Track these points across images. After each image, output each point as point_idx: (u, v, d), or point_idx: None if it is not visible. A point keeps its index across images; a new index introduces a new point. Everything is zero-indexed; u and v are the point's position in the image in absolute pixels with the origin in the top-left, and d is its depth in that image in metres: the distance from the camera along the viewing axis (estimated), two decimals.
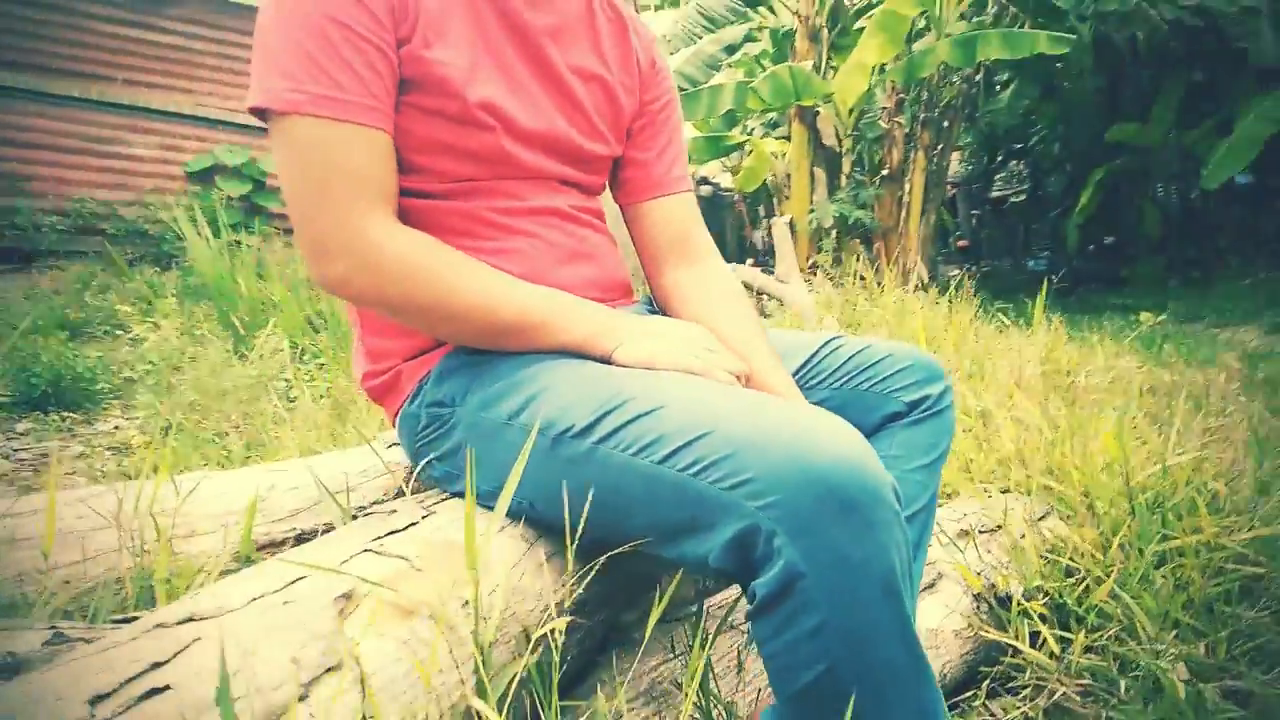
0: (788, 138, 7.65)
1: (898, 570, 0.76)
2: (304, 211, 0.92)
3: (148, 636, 0.64)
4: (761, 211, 13.28)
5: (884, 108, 7.39)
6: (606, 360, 0.98)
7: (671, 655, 1.08)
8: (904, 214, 7.18)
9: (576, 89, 1.10)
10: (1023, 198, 12.84)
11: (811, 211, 7.11)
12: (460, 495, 1.01)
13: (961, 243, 14.78)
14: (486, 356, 1.00)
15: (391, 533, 0.89)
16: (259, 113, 0.94)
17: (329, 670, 0.65)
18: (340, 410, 2.57)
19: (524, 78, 1.06)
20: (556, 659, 0.84)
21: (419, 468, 1.07)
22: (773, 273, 4.63)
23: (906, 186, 7.21)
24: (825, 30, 7.21)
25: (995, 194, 14.24)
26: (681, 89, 7.76)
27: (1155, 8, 7.35)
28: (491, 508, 0.96)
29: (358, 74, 0.92)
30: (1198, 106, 9.22)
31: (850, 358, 1.19)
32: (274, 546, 1.27)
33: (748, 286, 4.79)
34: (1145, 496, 1.51)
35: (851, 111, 6.88)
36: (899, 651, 0.77)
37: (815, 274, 6.02)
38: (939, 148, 7.32)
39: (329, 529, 1.33)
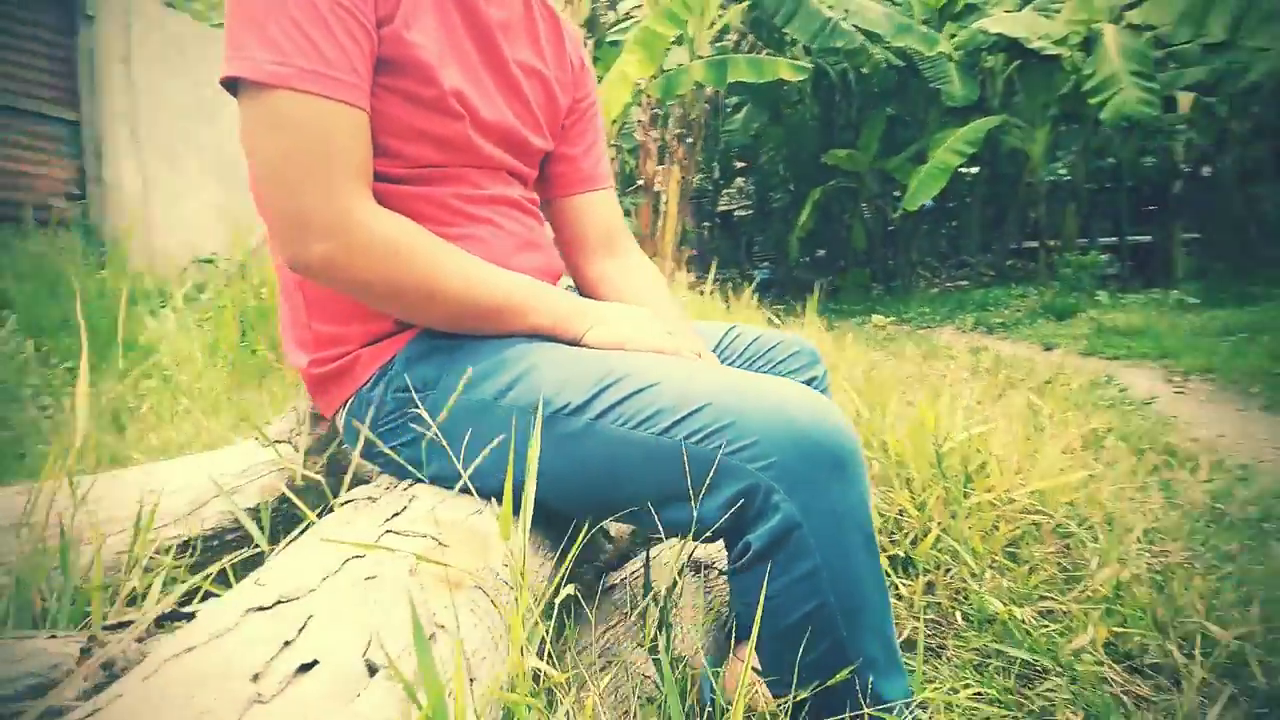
0: None
1: (871, 516, 0.91)
2: (283, 190, 0.90)
3: (249, 620, 0.63)
4: None
5: (639, 121, 7.76)
6: (576, 343, 1.04)
7: (625, 615, 1.16)
8: (660, 223, 7.59)
9: (522, 83, 1.15)
10: (749, 212, 13.98)
11: None
12: (435, 480, 1.02)
13: (690, 252, 15.81)
14: (459, 340, 1.02)
15: (395, 515, 0.90)
16: (233, 83, 0.91)
17: (430, 639, 0.68)
18: (114, 416, 2.35)
19: (480, 70, 1.09)
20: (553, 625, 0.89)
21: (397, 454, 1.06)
22: None
23: (662, 197, 7.62)
24: (590, 42, 7.45)
25: (722, 208, 15.36)
26: None
27: (874, 46, 8.34)
28: (470, 488, 0.99)
29: (344, 49, 0.91)
30: (897, 136, 10.57)
31: (750, 344, 1.33)
32: (181, 550, 1.19)
33: None
34: (948, 464, 1.80)
35: (614, 122, 7.18)
36: (874, 588, 0.91)
37: None
38: (687, 161, 7.82)
39: (227, 531, 1.27)
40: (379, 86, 0.97)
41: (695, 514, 0.90)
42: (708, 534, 0.91)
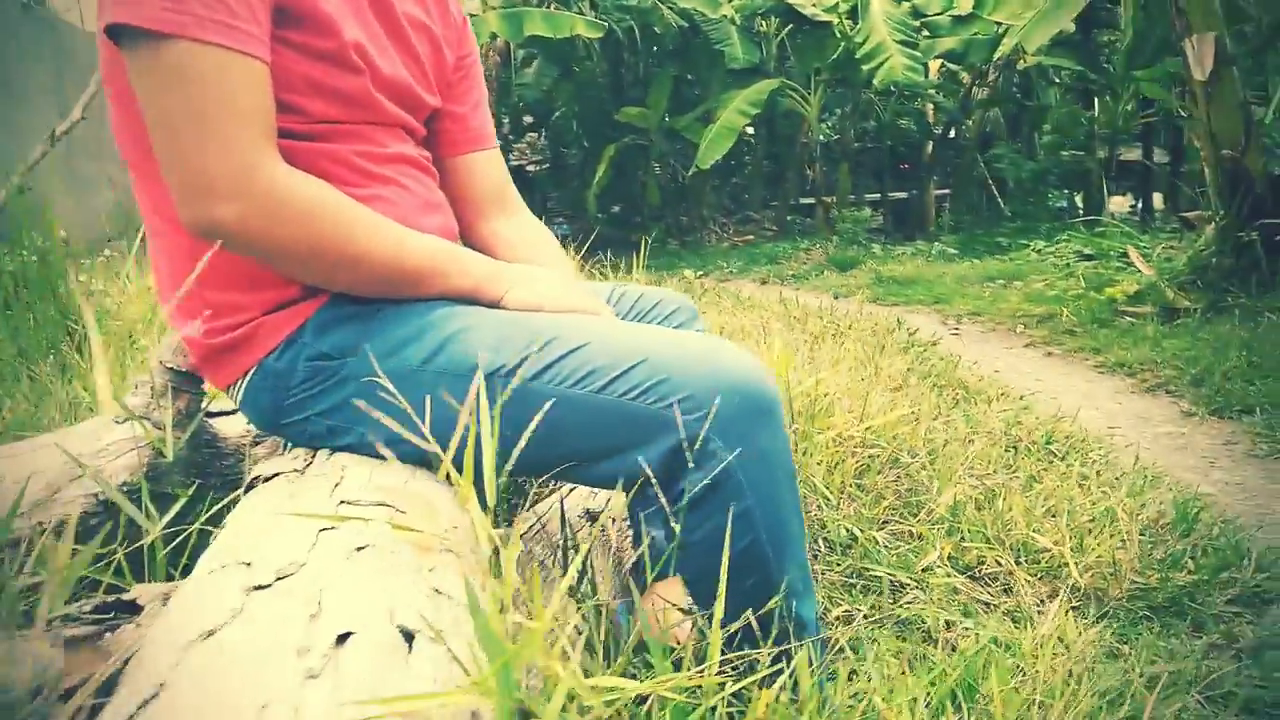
0: None
1: (791, 456, 0.98)
2: (184, 147, 0.83)
3: (258, 599, 0.60)
4: None
5: None
6: (495, 305, 1.03)
7: (542, 564, 1.17)
8: None
9: (412, 38, 1.10)
10: (542, 167, 13.90)
11: None
12: (352, 449, 0.98)
13: None
14: (374, 305, 0.98)
15: (336, 485, 0.87)
16: (117, 30, 0.81)
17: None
18: None
19: (374, 24, 1.04)
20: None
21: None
22: None
23: None
24: None
25: (514, 163, 15.16)
26: None
27: (663, 6, 8.49)
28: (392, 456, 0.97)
29: (247, 1, 0.85)
30: (683, 96, 10.86)
31: (635, 301, 1.37)
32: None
33: None
34: (798, 407, 1.93)
35: None
36: (796, 522, 0.99)
37: None
38: None
39: (90, 516, 1.17)
40: (276, 39, 0.91)
41: (628, 465, 0.93)
42: (640, 483, 0.95)
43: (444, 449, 0.98)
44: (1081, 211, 9.87)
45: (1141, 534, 1.68)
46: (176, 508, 1.19)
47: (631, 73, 11.53)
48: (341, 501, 0.81)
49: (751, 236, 11.10)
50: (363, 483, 0.88)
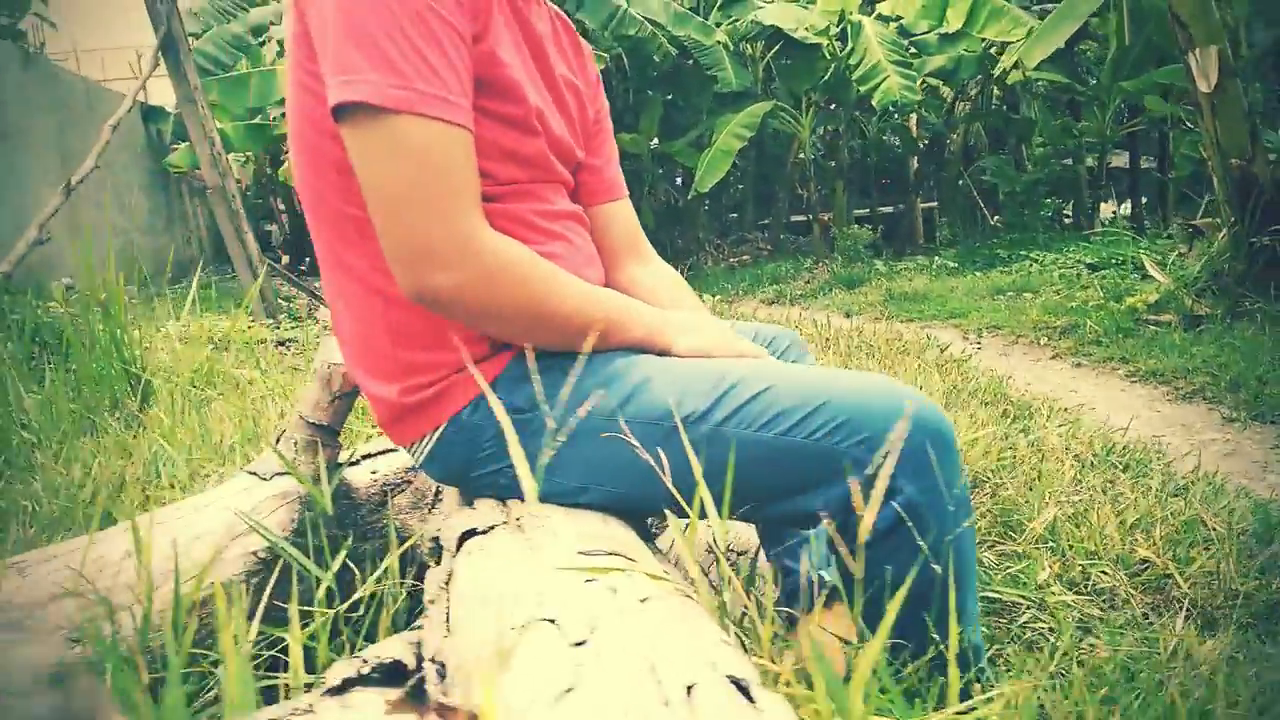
0: None
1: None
2: (407, 218, 0.87)
3: (582, 655, 0.62)
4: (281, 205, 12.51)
5: None
6: (666, 353, 1.07)
7: None
8: None
9: (567, 98, 1.15)
10: None
11: None
12: (543, 498, 1.01)
13: None
14: (560, 359, 1.02)
15: (555, 536, 0.89)
16: (341, 107, 0.85)
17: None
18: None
19: (540, 84, 1.08)
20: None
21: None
22: None
23: None
24: None
25: None
26: (209, 73, 7.03)
27: (660, 35, 8.60)
28: (575, 504, 1.00)
29: (455, 70, 0.89)
30: (674, 121, 10.97)
31: (752, 338, 1.41)
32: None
33: None
34: None
35: None
36: (971, 549, 1.02)
37: None
38: None
39: (251, 575, 1.20)
40: (475, 108, 0.94)
41: (814, 504, 0.97)
42: (815, 521, 0.99)
43: (636, 495, 1.02)
44: (1071, 220, 10.04)
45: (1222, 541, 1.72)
46: (341, 557, 1.22)
47: (620, 99, 11.65)
48: (580, 552, 0.84)
49: (747, 257, 11.19)
50: (579, 532, 0.91)
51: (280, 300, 6.12)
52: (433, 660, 0.77)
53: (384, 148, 0.85)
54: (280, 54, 9.29)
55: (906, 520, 0.96)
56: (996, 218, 11.05)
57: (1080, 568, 1.63)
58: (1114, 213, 12.83)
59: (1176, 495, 2.01)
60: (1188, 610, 1.55)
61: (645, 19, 7.90)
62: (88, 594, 0.97)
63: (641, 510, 1.04)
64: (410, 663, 0.79)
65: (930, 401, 0.98)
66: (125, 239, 8.34)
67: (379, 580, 1.12)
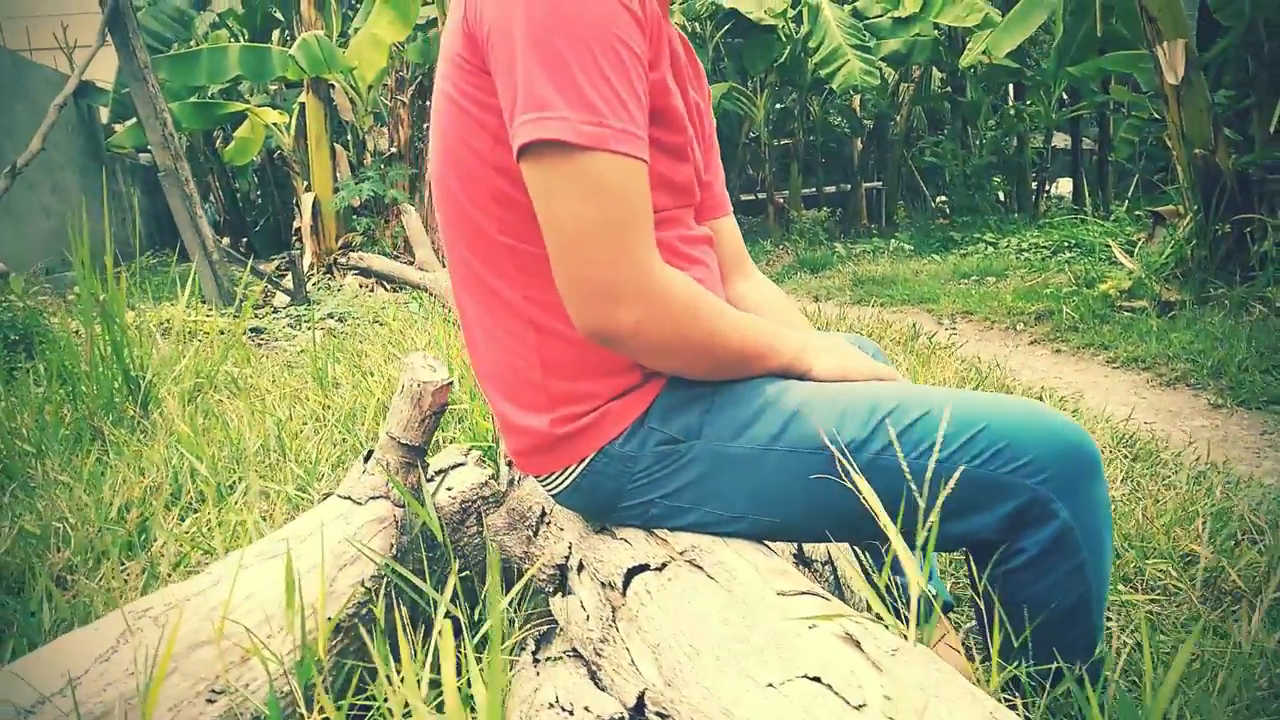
0: (287, 109, 7.14)
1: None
2: (595, 256, 0.84)
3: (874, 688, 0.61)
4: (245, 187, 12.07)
5: (386, 85, 7.33)
6: (805, 376, 1.06)
7: None
8: (429, 192, 7.28)
9: (696, 120, 1.12)
10: None
11: (337, 190, 6.79)
12: (694, 527, 0.99)
13: None
14: (710, 387, 1.00)
15: (734, 576, 0.88)
16: (534, 144, 0.81)
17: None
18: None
19: (685, 109, 1.06)
20: None
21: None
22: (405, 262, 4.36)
23: (425, 166, 7.29)
24: None
25: None
26: (156, 50, 6.71)
27: None
28: (725, 533, 0.99)
29: (640, 103, 0.86)
30: None
31: None
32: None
33: (386, 278, 4.45)
34: None
35: (371, 88, 6.71)
36: (1109, 570, 1.04)
37: (349, 255, 5.82)
38: None
39: (361, 605, 1.16)
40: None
41: (969, 529, 0.97)
42: (968, 545, 0.99)
43: (793, 524, 1.01)
44: (1017, 202, 10.29)
45: (1262, 533, 1.79)
46: (452, 582, 1.19)
47: None
48: (779, 592, 0.83)
49: None
50: (753, 566, 0.89)
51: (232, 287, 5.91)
52: (659, 714, 0.75)
53: (574, 186, 0.82)
54: (218, 26, 8.92)
55: (1059, 543, 0.97)
56: (940, 198, 11.26)
57: (1133, 563, 1.68)
58: (1046, 192, 13.19)
59: (1198, 485, 2.08)
60: (1234, 602, 1.61)
61: None
62: (233, 643, 0.92)
63: (792, 539, 1.04)
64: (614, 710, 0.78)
65: (1076, 424, 0.99)
66: (59, 221, 7.95)
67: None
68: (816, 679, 0.66)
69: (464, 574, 1.33)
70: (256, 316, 5.18)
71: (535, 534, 1.26)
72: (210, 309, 4.89)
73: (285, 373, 3.08)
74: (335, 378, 2.72)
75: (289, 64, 5.97)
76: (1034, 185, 10.37)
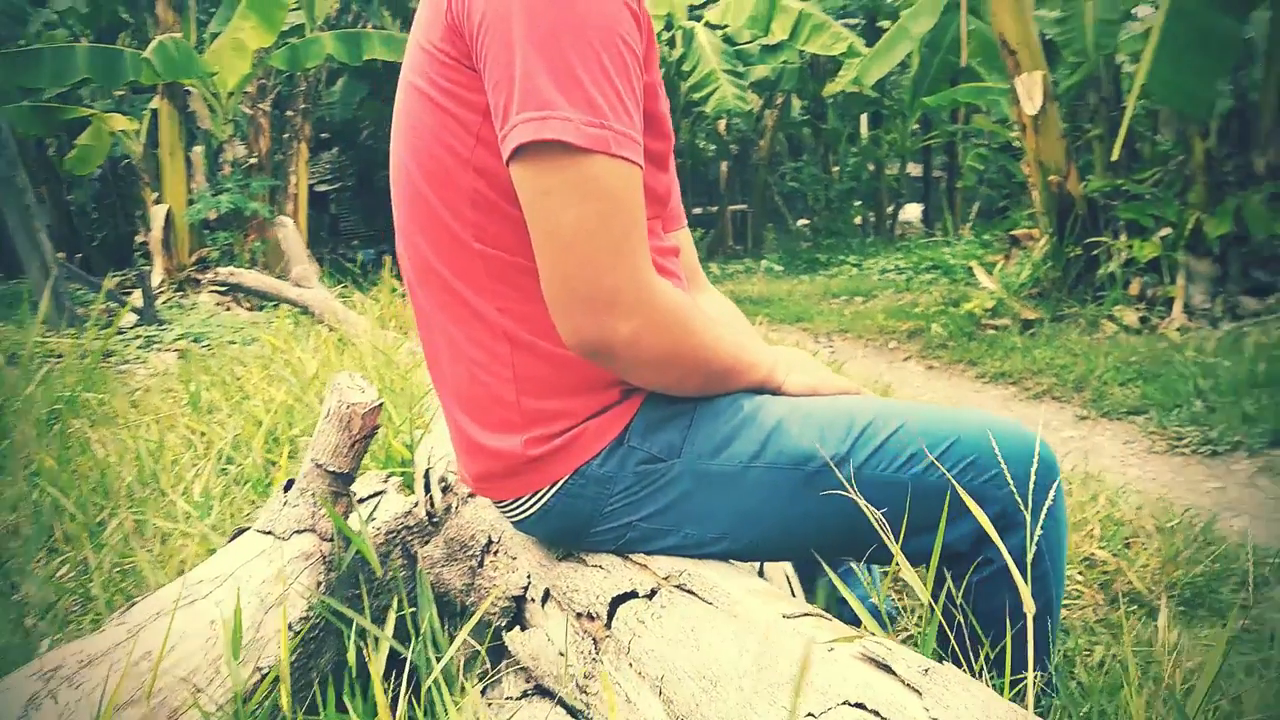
0: (136, 116, 6.65)
1: None
2: (594, 263, 0.79)
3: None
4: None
5: (246, 92, 6.94)
6: (778, 392, 1.04)
7: None
8: (292, 206, 6.92)
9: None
10: (340, 188, 13.22)
11: (193, 202, 6.34)
12: (672, 550, 0.95)
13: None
14: (690, 403, 0.96)
15: (729, 597, 0.84)
16: (530, 146, 0.76)
17: None
18: None
19: None
20: None
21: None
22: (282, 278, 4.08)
23: (291, 178, 6.95)
24: (194, 0, 6.43)
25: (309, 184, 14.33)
26: None
27: None
28: (705, 555, 0.95)
29: (639, 107, 0.82)
30: None
31: None
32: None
33: (259, 295, 4.13)
34: None
35: (231, 95, 6.32)
36: (1064, 577, 1.07)
37: (215, 271, 5.47)
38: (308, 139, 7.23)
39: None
40: None
41: (946, 540, 0.97)
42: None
43: (774, 543, 0.98)
44: (876, 226, 10.82)
45: (1150, 537, 1.91)
46: (392, 619, 1.10)
47: None
48: (784, 615, 0.79)
49: None
50: (747, 589, 0.86)
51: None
52: None
53: (574, 189, 0.76)
54: (55, 26, 8.23)
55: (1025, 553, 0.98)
56: (802, 221, 11.69)
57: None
58: (890, 216, 13.95)
59: (1084, 492, 2.20)
60: (1127, 604, 1.70)
61: None
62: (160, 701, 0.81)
63: (769, 558, 1.01)
64: None
65: (1037, 435, 1.01)
66: None
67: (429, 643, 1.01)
68: (860, 705, 0.63)
69: (400, 613, 1.23)
70: (100, 337, 4.77)
71: (480, 565, 1.18)
72: (50, 330, 4.46)
73: (148, 397, 2.84)
74: (211, 402, 2.52)
75: (143, 67, 5.56)
76: (890, 210, 10.91)
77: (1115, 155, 4.28)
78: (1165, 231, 4.35)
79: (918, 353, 4.38)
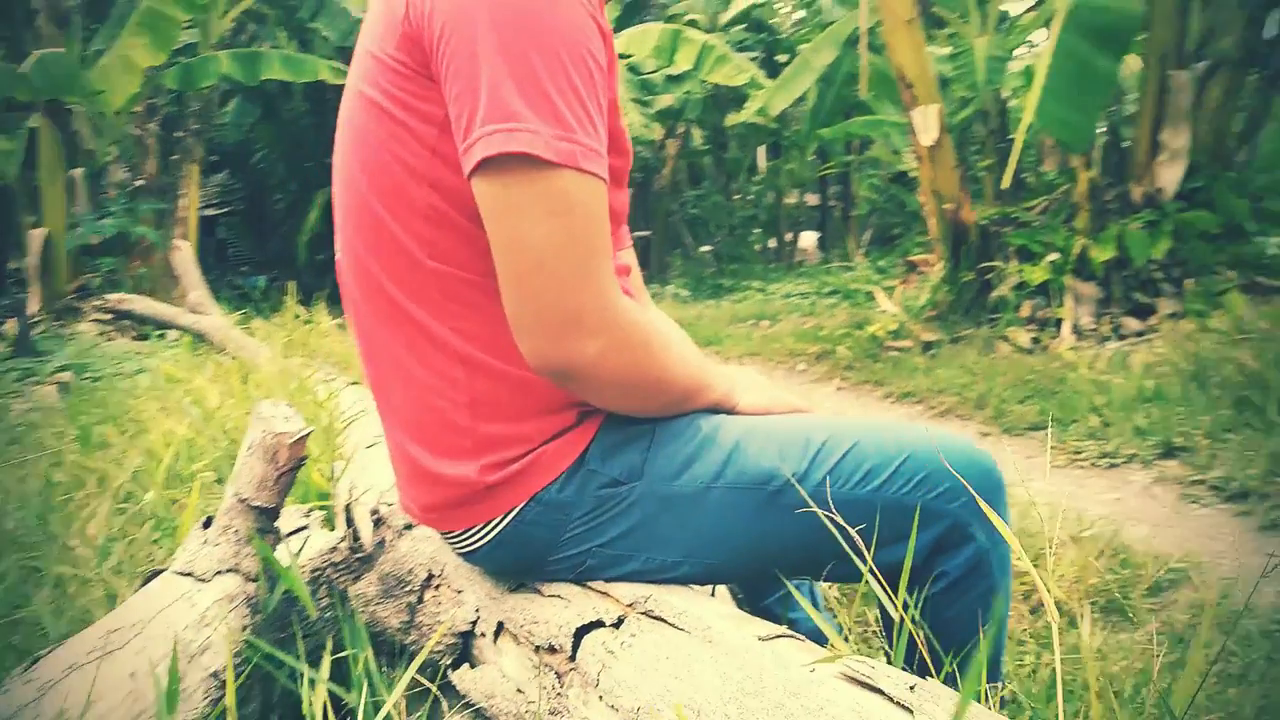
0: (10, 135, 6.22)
1: None
2: (562, 280, 0.76)
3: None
4: None
5: (134, 112, 6.61)
6: (732, 412, 1.03)
7: None
8: (181, 230, 6.60)
9: None
10: (228, 212, 12.71)
11: (74, 226, 5.96)
12: (632, 576, 0.92)
13: None
14: (649, 424, 0.94)
15: (706, 624, 0.82)
16: (496, 159, 0.73)
17: None
18: None
19: None
20: None
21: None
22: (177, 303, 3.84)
23: (181, 201, 6.63)
24: (79, 15, 6.08)
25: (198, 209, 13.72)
26: None
27: None
28: (666, 579, 0.93)
29: (604, 121, 0.80)
30: None
31: None
32: None
33: (152, 323, 3.86)
34: None
35: (119, 114, 6.00)
36: (1010, 591, 1.09)
37: (104, 298, 5.16)
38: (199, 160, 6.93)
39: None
40: None
41: (894, 557, 0.98)
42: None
43: (737, 565, 0.97)
44: (776, 252, 11.08)
45: (1063, 547, 1.98)
46: (328, 662, 1.04)
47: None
48: (759, 638, 0.77)
49: None
50: (716, 614, 0.84)
51: None
52: None
53: (542, 204, 0.74)
54: None
55: (979, 565, 0.99)
56: (704, 248, 11.86)
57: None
58: (790, 243, 14.33)
59: None
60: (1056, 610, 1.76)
61: None
62: None
63: (728, 580, 0.99)
64: None
65: (984, 449, 1.03)
66: None
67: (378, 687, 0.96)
68: None
69: (338, 655, 1.16)
70: None
71: (420, 601, 1.12)
72: None
73: (30, 434, 2.64)
74: (103, 437, 2.36)
75: (20, 83, 5.21)
76: (790, 237, 11.20)
77: (1006, 184, 4.49)
78: (1053, 257, 4.57)
79: (826, 374, 4.48)
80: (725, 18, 9.55)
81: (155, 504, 1.85)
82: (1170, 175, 4.43)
